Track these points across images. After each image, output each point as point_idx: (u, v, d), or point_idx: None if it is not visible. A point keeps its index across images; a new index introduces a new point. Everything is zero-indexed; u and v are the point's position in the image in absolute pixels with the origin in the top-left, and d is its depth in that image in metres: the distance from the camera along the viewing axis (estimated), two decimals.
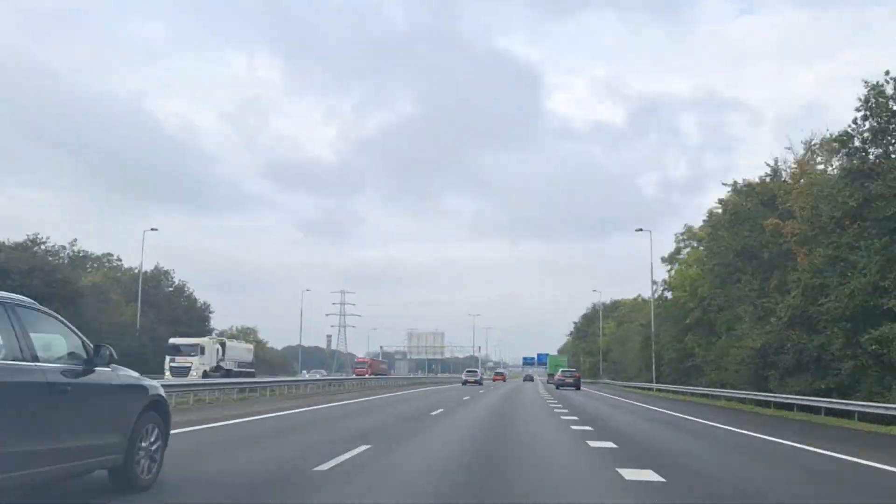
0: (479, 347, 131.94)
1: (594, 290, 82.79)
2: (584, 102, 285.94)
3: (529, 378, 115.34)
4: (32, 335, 5.52)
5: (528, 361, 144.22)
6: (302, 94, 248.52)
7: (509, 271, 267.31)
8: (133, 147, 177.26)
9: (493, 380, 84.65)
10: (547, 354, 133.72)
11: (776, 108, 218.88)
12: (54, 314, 6.09)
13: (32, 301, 5.86)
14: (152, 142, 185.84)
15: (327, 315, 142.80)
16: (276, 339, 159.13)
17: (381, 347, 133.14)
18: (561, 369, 62.72)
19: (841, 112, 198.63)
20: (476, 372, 70.77)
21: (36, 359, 5.42)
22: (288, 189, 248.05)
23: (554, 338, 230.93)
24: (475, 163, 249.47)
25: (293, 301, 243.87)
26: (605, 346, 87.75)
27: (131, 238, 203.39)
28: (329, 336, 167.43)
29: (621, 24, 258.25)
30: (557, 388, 51.72)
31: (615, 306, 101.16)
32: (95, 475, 6.29)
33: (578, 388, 51.40)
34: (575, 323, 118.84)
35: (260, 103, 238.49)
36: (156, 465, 6.81)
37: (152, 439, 6.75)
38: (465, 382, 60.73)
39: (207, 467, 8.59)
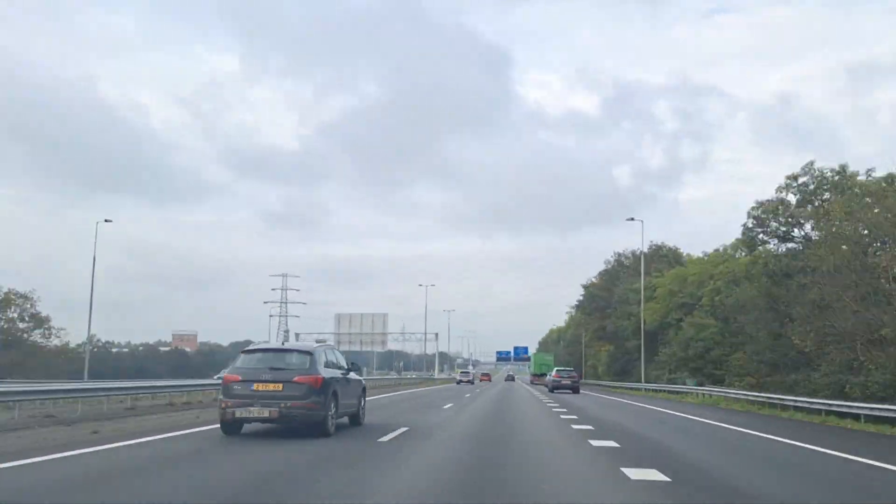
0: (437, 335, 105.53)
1: (630, 219, 50.89)
2: (556, 87, 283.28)
3: (511, 378, 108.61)
4: (334, 358, 13.86)
5: (503, 356, 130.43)
6: (261, 79, 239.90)
7: (480, 265, 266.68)
8: (84, 134, 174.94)
9: (480, 380, 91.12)
10: (526, 349, 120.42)
11: (751, 101, 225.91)
12: (335, 348, 14.50)
13: (333, 344, 14.28)
14: (105, 129, 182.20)
15: (265, 303, 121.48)
16: (225, 335, 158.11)
17: (296, 336, 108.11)
18: (556, 369, 52.08)
19: (814, 102, 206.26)
20: (468, 373, 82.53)
21: (338, 368, 13.72)
22: (248, 178, 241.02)
23: (529, 335, 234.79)
24: (445, 150, 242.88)
25: (251, 295, 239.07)
26: (655, 320, 52.61)
27: (83, 228, 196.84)
28: (286, 331, 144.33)
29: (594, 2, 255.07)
30: (552, 391, 44.35)
31: (656, 254, 63.79)
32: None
33: (577, 392, 43.17)
34: (585, 286, 79.79)
35: (217, 89, 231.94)
36: (365, 414, 15.17)
37: (363, 403, 15.11)
38: (459, 382, 70.84)
39: (382, 414, 18.01)
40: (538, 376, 78.50)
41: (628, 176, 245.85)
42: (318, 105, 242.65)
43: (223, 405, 11.89)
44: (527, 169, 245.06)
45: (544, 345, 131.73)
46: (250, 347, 13.40)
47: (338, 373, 13.32)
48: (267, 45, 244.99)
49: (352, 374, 14.39)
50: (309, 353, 12.61)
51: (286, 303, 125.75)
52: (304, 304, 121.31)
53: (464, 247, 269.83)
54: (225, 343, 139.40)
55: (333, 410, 12.51)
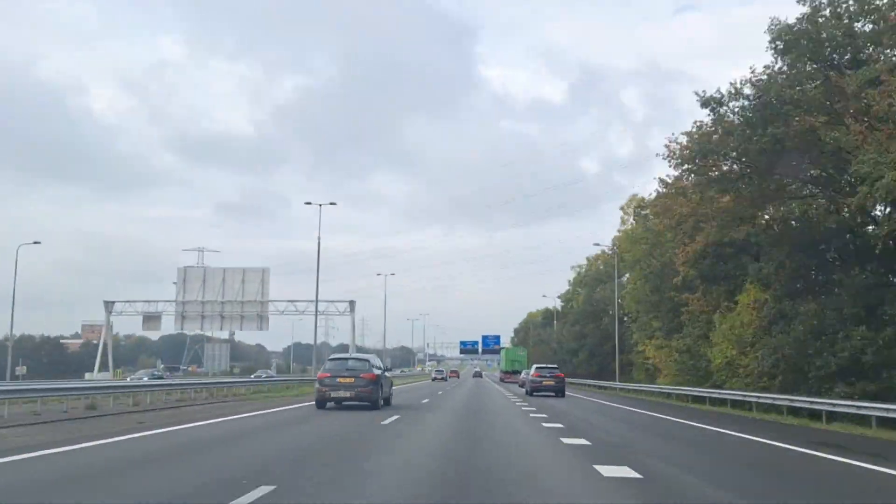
0: (352, 303, 70.10)
1: None
2: (522, 70, 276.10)
3: (479, 374, 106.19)
4: (378, 363, 22.89)
5: (468, 347, 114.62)
6: (210, 60, 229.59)
7: (443, 257, 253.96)
8: (21, 117, 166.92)
9: (449, 376, 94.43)
10: (497, 338, 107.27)
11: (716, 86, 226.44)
12: (376, 356, 23.51)
13: (375, 354, 23.30)
14: (44, 112, 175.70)
15: (174, 283, 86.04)
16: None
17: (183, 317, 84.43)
18: (535, 367, 42.18)
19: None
20: (442, 371, 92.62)
21: (379, 369, 22.68)
22: (201, 166, 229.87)
23: (495, 331, 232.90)
24: (405, 136, 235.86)
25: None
26: None
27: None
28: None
29: None
30: (530, 393, 37.31)
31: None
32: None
33: (561, 396, 36.21)
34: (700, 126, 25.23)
35: (165, 71, 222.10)
36: (392, 397, 24.18)
37: (393, 391, 24.15)
38: (434, 379, 79.93)
39: (399, 399, 26.36)
40: (509, 374, 73.84)
41: (597, 166, 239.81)
42: (271, 87, 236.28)
43: (321, 390, 20.70)
44: (490, 157, 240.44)
45: (522, 334, 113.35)
46: (332, 357, 22.41)
47: (379, 371, 22.18)
48: (216, 22, 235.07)
49: (386, 373, 23.29)
50: (367, 360, 21.74)
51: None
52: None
53: (426, 238, 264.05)
54: (155, 337, 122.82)
55: (380, 394, 21.39)
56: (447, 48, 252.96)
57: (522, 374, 54.33)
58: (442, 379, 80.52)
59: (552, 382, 37.18)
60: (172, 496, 6.58)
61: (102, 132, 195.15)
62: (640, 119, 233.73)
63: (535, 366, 43.21)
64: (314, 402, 21.37)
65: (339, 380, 20.70)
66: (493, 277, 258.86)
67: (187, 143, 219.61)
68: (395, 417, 17.55)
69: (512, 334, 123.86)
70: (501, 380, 77.25)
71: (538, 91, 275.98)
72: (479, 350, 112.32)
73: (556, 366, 43.04)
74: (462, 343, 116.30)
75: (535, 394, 36.63)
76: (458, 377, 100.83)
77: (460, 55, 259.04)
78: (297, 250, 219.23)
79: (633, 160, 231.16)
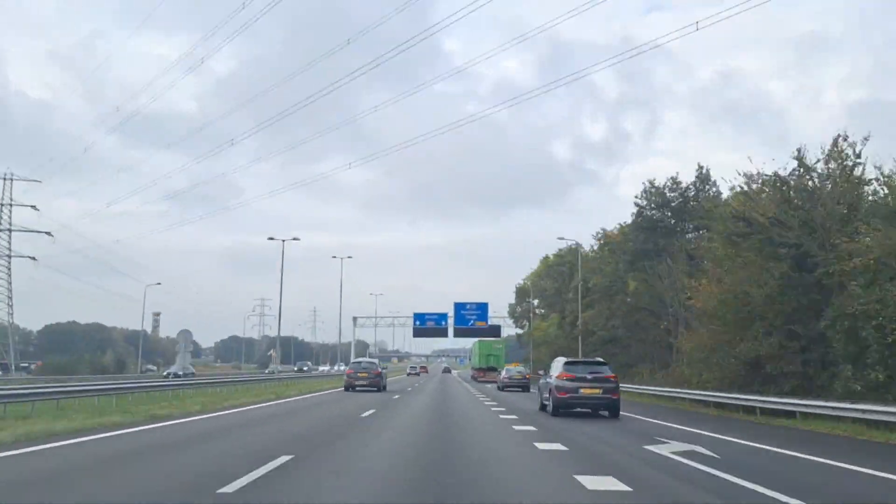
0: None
1: None
2: (488, 48, 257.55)
3: (447, 370, 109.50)
4: (378, 362, 37.98)
5: (428, 323, 71.91)
6: (144, 28, 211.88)
7: (407, 250, 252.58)
8: None
9: (419, 372, 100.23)
10: (483, 308, 70.09)
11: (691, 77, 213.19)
12: (378, 360, 38.62)
13: (377, 360, 38.36)
14: None
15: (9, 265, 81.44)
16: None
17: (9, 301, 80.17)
18: (564, 361, 22.65)
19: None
20: (416, 367, 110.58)
21: (382, 368, 37.69)
22: (141, 150, 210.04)
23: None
24: (362, 117, 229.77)
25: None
26: None
27: None
28: (157, 315, 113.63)
29: None
30: (554, 411, 21.15)
31: None
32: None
33: (616, 416, 20.83)
34: None
35: (97, 42, 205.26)
36: (386, 385, 39.08)
37: (388, 382, 39.16)
38: (409, 374, 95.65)
39: (394, 387, 41.42)
40: (483, 371, 64.54)
41: (567, 151, 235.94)
42: (214, 61, 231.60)
43: (348, 380, 35.23)
44: (454, 140, 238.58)
45: (529, 299, 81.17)
46: (353, 360, 37.28)
47: (381, 369, 36.76)
48: None
49: (384, 370, 38.09)
50: (374, 362, 36.76)
51: (10, 230, 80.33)
52: (49, 234, 79.69)
53: (387, 229, 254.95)
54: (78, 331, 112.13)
55: (382, 382, 35.93)
56: (408, 19, 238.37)
57: (503, 374, 45.24)
58: (415, 374, 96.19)
59: (598, 391, 20.91)
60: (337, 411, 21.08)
61: (31, 111, 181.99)
62: (612, 100, 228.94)
63: (561, 359, 23.63)
64: (343, 388, 36.00)
65: (359, 374, 35.41)
66: (458, 268, 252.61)
67: (126, 125, 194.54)
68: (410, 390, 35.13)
69: (513, 298, 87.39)
70: (474, 378, 65.71)
71: (505, 70, 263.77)
72: (450, 331, 72.86)
73: (602, 360, 25.23)
74: (417, 317, 72.20)
75: (562, 410, 21.15)
76: (426, 372, 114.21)
77: (423, 29, 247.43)
78: (246, 242, 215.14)
79: (605, 145, 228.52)
